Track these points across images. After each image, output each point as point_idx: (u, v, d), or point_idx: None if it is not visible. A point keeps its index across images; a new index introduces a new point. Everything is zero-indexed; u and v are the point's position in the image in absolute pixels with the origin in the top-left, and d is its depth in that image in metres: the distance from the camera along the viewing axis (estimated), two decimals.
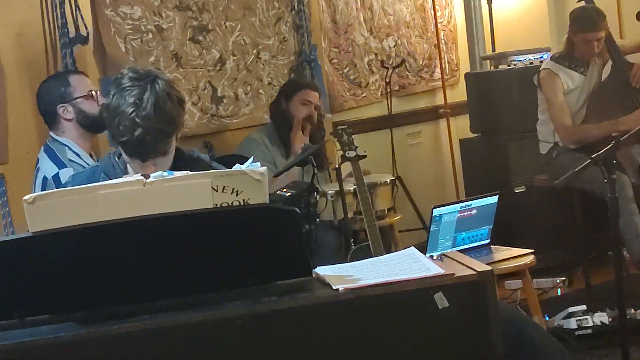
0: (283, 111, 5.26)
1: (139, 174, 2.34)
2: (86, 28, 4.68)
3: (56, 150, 3.82)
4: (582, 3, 5.42)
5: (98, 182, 2.45)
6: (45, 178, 3.76)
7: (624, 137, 3.82)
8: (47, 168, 3.77)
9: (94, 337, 2.08)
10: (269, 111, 5.41)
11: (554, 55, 5.47)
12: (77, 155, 3.82)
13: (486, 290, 2.24)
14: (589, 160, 3.75)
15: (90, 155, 3.93)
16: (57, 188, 3.41)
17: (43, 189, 3.69)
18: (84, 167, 3.70)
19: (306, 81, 5.52)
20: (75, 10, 4.63)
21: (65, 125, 3.87)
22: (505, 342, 2.28)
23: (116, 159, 2.97)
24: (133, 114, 2.72)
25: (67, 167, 3.74)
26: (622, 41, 5.62)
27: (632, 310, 4.47)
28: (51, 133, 3.91)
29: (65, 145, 3.83)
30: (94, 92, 3.89)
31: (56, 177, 3.73)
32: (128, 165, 2.91)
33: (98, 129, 3.90)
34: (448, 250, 2.76)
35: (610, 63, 5.38)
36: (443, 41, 6.96)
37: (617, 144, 3.70)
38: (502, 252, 4.36)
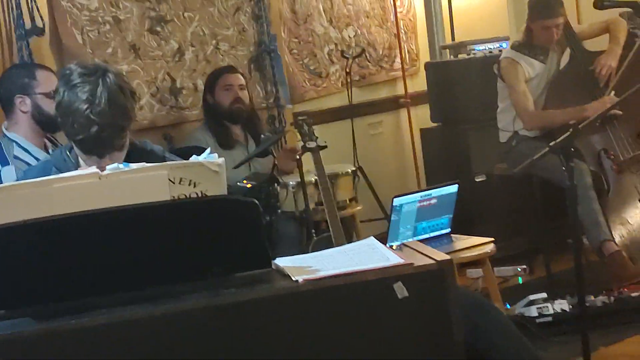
0: (211, 105, 5.21)
1: (94, 167, 2.31)
2: (42, 19, 4.62)
3: (3, 145, 3.77)
4: None
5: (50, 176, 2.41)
6: None
7: (582, 124, 3.84)
8: None
9: (51, 332, 2.05)
10: (202, 110, 5.33)
11: (514, 44, 5.49)
12: (26, 151, 3.76)
13: (446, 280, 2.24)
14: (547, 148, 3.77)
15: (46, 150, 3.88)
16: None
17: None
18: (29, 164, 3.66)
19: (224, 67, 5.41)
20: (31, 2, 4.57)
21: (19, 116, 3.82)
22: (466, 330, 2.28)
23: (67, 153, 2.93)
24: (87, 111, 2.68)
25: (9, 164, 3.69)
26: (579, 27, 5.65)
27: (592, 297, 4.50)
28: (2, 126, 3.86)
29: (14, 141, 3.78)
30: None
31: None
32: (80, 159, 2.87)
33: (51, 128, 3.85)
34: (408, 240, 2.77)
35: (568, 50, 5.41)
36: (403, 31, 6.96)
37: (575, 131, 3.71)
38: (463, 241, 4.38)
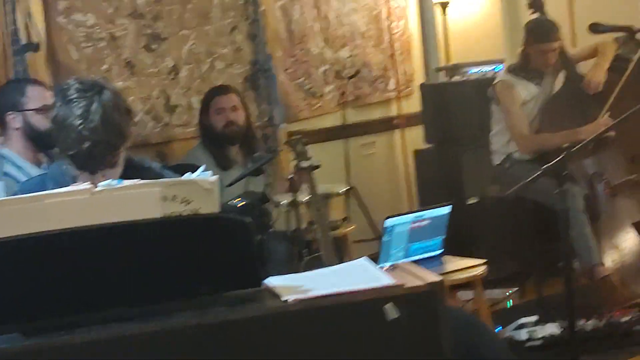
0: (206, 127, 5.15)
1: (87, 183, 2.31)
2: (38, 35, 4.63)
3: None
4: (536, 15, 5.47)
5: (46, 190, 2.41)
6: None
7: (575, 148, 3.85)
8: None
9: (40, 348, 2.05)
10: (200, 131, 5.26)
11: (510, 67, 5.51)
12: (18, 167, 3.75)
13: (436, 301, 2.25)
14: (540, 171, 3.78)
15: (40, 166, 3.87)
16: None
17: None
18: (19, 181, 3.65)
19: (217, 88, 5.33)
20: (27, 17, 4.58)
21: (11, 133, 3.81)
22: (456, 346, 2.29)
23: (65, 167, 2.93)
24: (80, 127, 2.68)
25: None
26: (573, 50, 5.68)
27: (583, 321, 4.50)
28: None
29: (5, 157, 3.77)
30: (47, 107, 3.82)
31: None
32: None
33: (43, 144, 3.83)
34: (400, 261, 2.77)
35: (563, 73, 5.43)
36: (398, 52, 6.98)
37: (568, 155, 3.73)
38: (455, 263, 4.37)
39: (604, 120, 5.09)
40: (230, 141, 5.13)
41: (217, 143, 5.12)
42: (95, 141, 2.69)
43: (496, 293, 5.40)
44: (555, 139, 5.12)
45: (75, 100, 2.70)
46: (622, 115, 4.38)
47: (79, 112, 2.68)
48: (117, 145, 2.77)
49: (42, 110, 3.80)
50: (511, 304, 5.34)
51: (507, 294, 5.39)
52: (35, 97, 3.84)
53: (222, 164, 5.04)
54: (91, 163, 2.74)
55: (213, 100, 5.15)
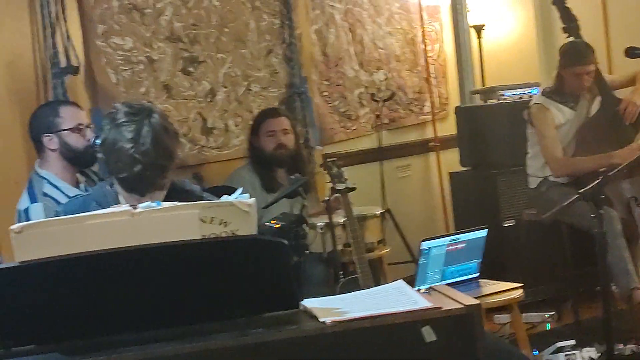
0: (255, 149, 5.21)
1: (127, 205, 2.34)
2: (77, 58, 4.69)
3: (34, 183, 3.81)
4: (572, 38, 5.46)
5: (89, 210, 2.44)
6: (18, 211, 3.76)
7: (612, 172, 3.83)
8: (22, 201, 3.76)
9: None
10: (248, 150, 5.32)
11: (545, 90, 5.50)
12: (57, 188, 3.79)
13: (474, 324, 2.24)
14: (577, 195, 3.76)
15: (78, 186, 3.91)
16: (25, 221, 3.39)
17: (17, 221, 3.68)
18: (58, 201, 3.69)
19: (266, 110, 5.40)
20: (67, 41, 4.64)
21: (49, 155, 3.86)
22: None
23: (108, 188, 2.96)
24: (132, 150, 2.71)
25: (38, 201, 3.72)
26: (610, 76, 5.65)
27: (621, 345, 4.46)
28: (36, 164, 3.90)
29: (45, 178, 3.81)
30: (81, 126, 3.87)
31: (26, 211, 3.72)
32: (120, 195, 2.90)
33: (81, 163, 3.88)
34: (436, 284, 2.76)
35: (599, 98, 5.40)
36: (433, 75, 6.99)
37: (605, 179, 3.71)
38: (491, 286, 4.35)
39: (638, 145, 5.06)
40: (279, 164, 5.17)
41: (265, 165, 5.16)
42: (147, 164, 2.72)
43: (533, 317, 5.36)
44: (588, 163, 5.11)
45: (125, 123, 2.73)
46: None
47: (129, 135, 2.71)
48: (167, 168, 2.80)
49: (77, 129, 3.85)
50: (549, 328, 5.30)
51: (545, 317, 5.35)
52: (69, 117, 3.88)
53: (268, 186, 5.07)
54: (141, 186, 2.77)
55: (264, 123, 5.20)
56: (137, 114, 2.75)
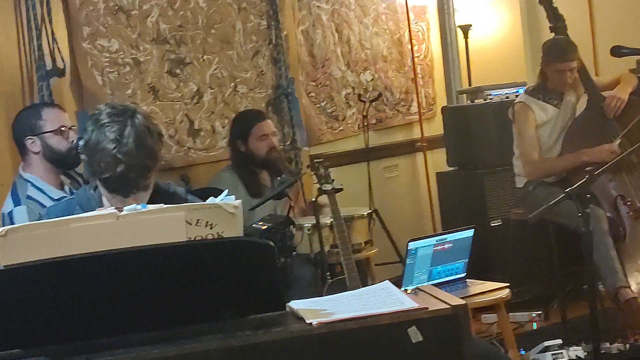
0: (244, 154, 5.15)
1: (113, 207, 2.33)
2: (63, 61, 4.68)
3: (18, 186, 3.81)
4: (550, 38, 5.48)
5: (73, 214, 2.43)
6: (2, 214, 3.75)
7: (598, 171, 3.84)
8: (6, 204, 3.77)
9: None
10: (230, 156, 5.26)
11: (528, 89, 5.51)
12: (41, 190, 3.79)
13: (460, 325, 2.24)
14: (563, 194, 3.77)
15: (62, 188, 3.91)
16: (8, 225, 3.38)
17: (2, 224, 3.68)
18: (42, 204, 3.69)
19: (253, 113, 5.36)
20: (53, 43, 4.64)
21: (32, 157, 3.85)
22: None
23: (92, 191, 2.95)
24: (115, 150, 2.70)
25: (21, 204, 3.72)
26: (598, 78, 5.65)
27: (608, 344, 4.47)
28: (20, 167, 3.89)
29: (29, 181, 3.81)
30: (64, 128, 3.87)
31: (10, 214, 3.72)
32: (104, 198, 2.89)
33: (64, 165, 3.88)
34: (423, 284, 2.77)
35: (585, 97, 5.42)
36: (420, 75, 7.00)
37: (591, 177, 3.72)
38: (478, 286, 4.37)
39: (610, 146, 5.07)
40: (271, 167, 5.14)
41: (251, 169, 5.13)
42: (130, 164, 2.71)
43: (520, 316, 5.38)
44: (560, 163, 5.15)
45: (107, 124, 2.72)
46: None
47: (112, 136, 2.70)
48: (150, 168, 2.78)
49: (59, 131, 3.85)
50: (536, 327, 5.31)
51: (532, 316, 5.37)
52: (52, 119, 3.87)
53: (253, 189, 5.05)
54: (124, 186, 2.75)
55: (256, 127, 5.16)
56: (120, 114, 2.75)
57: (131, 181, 2.74)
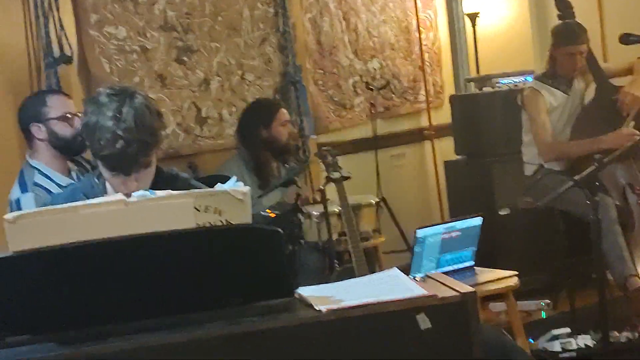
0: (265, 140, 5.14)
1: (120, 194, 2.32)
2: (70, 48, 4.67)
3: (25, 173, 3.81)
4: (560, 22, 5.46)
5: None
6: (10, 201, 3.75)
7: (606, 159, 3.83)
8: (14, 191, 3.77)
9: (74, 358, 2.06)
10: (242, 141, 5.22)
11: (537, 74, 5.50)
12: (48, 177, 3.79)
13: (469, 312, 2.24)
14: (572, 182, 3.76)
15: (69, 174, 3.91)
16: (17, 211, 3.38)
17: (9, 211, 3.68)
18: (49, 190, 3.69)
19: (272, 100, 5.41)
20: (60, 30, 4.63)
21: (38, 144, 3.86)
22: None
23: (95, 179, 2.94)
24: (114, 127, 2.69)
25: (28, 191, 3.72)
26: (606, 64, 5.64)
27: (616, 333, 4.46)
28: (27, 154, 3.90)
29: (36, 168, 3.81)
30: (69, 115, 3.87)
31: (17, 201, 3.72)
32: (107, 184, 2.89)
33: (70, 151, 3.88)
34: (432, 272, 2.76)
35: (594, 85, 5.40)
36: (427, 63, 6.98)
37: (600, 165, 3.71)
38: (486, 274, 4.36)
39: (627, 129, 5.05)
40: (290, 153, 5.18)
41: (264, 157, 5.13)
42: (129, 140, 2.70)
43: (529, 305, 5.37)
44: (577, 148, 5.12)
45: (106, 103, 2.72)
46: None
47: (110, 114, 2.70)
48: (150, 145, 2.77)
49: (64, 118, 3.85)
50: (544, 316, 5.30)
51: (540, 305, 5.35)
52: (57, 105, 3.87)
53: (263, 179, 5.03)
54: (125, 163, 2.74)
55: (279, 112, 5.19)
56: (118, 94, 2.75)
57: (131, 157, 2.73)
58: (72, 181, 3.81)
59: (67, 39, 4.66)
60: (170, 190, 2.25)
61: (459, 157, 6.42)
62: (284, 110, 5.23)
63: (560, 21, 5.47)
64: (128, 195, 2.19)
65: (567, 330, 4.59)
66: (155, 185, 2.81)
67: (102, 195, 2.80)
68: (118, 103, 2.72)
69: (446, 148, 6.69)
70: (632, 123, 5.13)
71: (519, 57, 6.82)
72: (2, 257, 2.11)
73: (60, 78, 4.59)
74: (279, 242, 2.25)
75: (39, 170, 3.81)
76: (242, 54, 5.65)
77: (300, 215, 4.49)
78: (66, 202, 2.43)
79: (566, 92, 5.35)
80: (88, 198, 2.77)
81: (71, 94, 4.29)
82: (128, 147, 2.70)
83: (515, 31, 7.03)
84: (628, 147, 4.38)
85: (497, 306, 5.10)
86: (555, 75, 5.35)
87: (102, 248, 2.10)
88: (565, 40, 5.26)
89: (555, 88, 5.34)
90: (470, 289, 2.27)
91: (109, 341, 2.08)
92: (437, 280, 2.40)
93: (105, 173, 2.82)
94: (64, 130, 3.84)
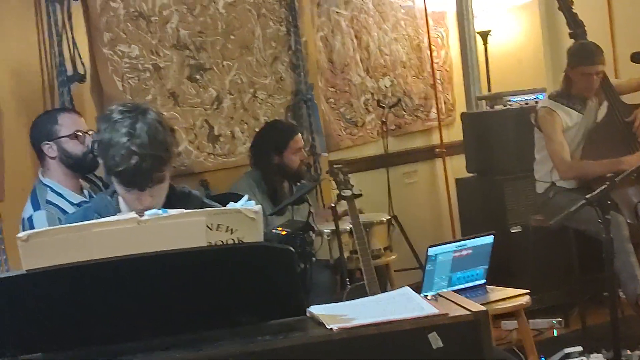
0: (276, 166, 5.12)
1: (133, 212, 2.34)
2: (83, 66, 4.69)
3: (38, 191, 3.83)
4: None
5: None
6: (23, 219, 3.77)
7: (618, 177, 3.82)
8: (27, 209, 3.79)
9: None
10: (254, 162, 5.21)
11: (552, 94, 5.48)
12: (60, 195, 3.81)
13: (481, 331, 2.24)
14: (584, 201, 3.75)
15: (82, 192, 3.93)
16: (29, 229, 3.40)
17: (22, 229, 3.70)
18: (61, 208, 3.70)
19: (288, 126, 5.35)
20: (73, 49, 4.65)
21: (50, 162, 3.88)
22: None
23: (108, 198, 2.96)
24: (128, 143, 2.71)
25: (41, 209, 3.74)
26: (617, 81, 5.64)
27: (628, 352, 4.45)
28: (39, 172, 3.92)
29: (48, 186, 3.83)
30: (80, 133, 3.89)
31: (30, 219, 3.74)
32: (121, 202, 2.91)
33: (81, 169, 3.90)
34: (443, 290, 2.76)
35: (605, 103, 5.39)
36: (439, 81, 7.00)
37: (611, 184, 3.70)
38: (498, 293, 4.35)
39: None
40: (301, 178, 5.18)
41: (277, 180, 5.12)
42: (144, 155, 2.72)
43: (540, 323, 5.35)
44: (597, 167, 5.10)
45: (119, 120, 2.74)
46: None
47: (124, 130, 2.72)
48: (164, 160, 2.79)
49: (75, 136, 3.87)
50: (556, 334, 5.29)
51: (552, 323, 5.34)
52: (67, 123, 3.90)
53: (274, 201, 5.02)
54: (140, 179, 2.75)
55: (292, 140, 5.15)
56: (131, 111, 2.77)
57: (146, 172, 2.74)
58: (85, 199, 3.83)
59: (80, 58, 4.68)
60: (182, 209, 2.26)
61: (470, 174, 6.42)
62: (298, 138, 5.19)
63: (574, 40, 5.47)
64: (141, 214, 2.20)
65: (579, 348, 4.57)
66: (168, 203, 2.82)
67: (116, 214, 2.81)
68: (131, 119, 2.74)
69: (458, 166, 6.69)
70: None
71: (531, 75, 6.83)
72: (15, 275, 2.13)
73: (73, 96, 4.61)
74: (290, 260, 2.26)
75: (51, 188, 3.83)
76: (254, 72, 5.67)
77: (311, 233, 4.48)
78: (79, 222, 2.44)
79: (581, 112, 5.34)
80: (102, 217, 2.79)
81: (84, 112, 4.31)
82: (142, 162, 2.72)
83: (526, 49, 7.04)
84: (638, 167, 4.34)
85: (509, 324, 5.08)
86: (570, 95, 5.34)
87: (114, 267, 2.11)
88: (582, 61, 5.25)
89: (571, 108, 5.33)
90: (482, 308, 2.28)
91: (120, 359, 2.09)
92: (449, 299, 2.40)
93: (120, 189, 2.83)
94: (74, 148, 3.86)
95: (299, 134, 5.25)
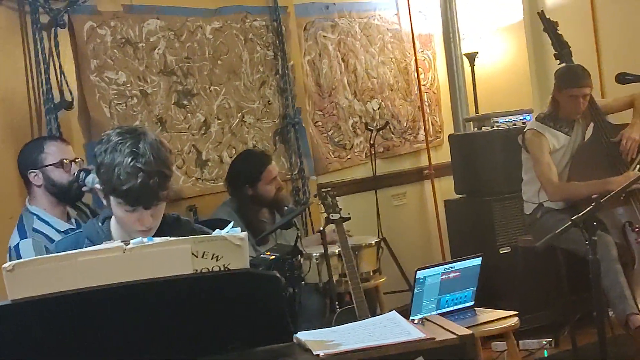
0: (250, 197, 5.10)
1: (119, 241, 2.34)
2: (71, 93, 4.70)
3: (24, 219, 3.84)
4: (564, 65, 5.49)
5: (82, 247, 2.44)
6: (9, 247, 3.77)
7: (604, 198, 3.84)
8: (13, 237, 3.79)
9: None
10: (230, 192, 5.19)
11: (539, 116, 5.51)
12: (47, 223, 3.81)
13: (467, 354, 2.24)
14: (570, 222, 3.76)
15: (68, 219, 3.93)
16: (16, 258, 3.41)
17: (8, 257, 3.70)
18: (48, 236, 3.70)
19: (259, 157, 5.23)
20: (60, 76, 4.66)
21: (36, 190, 3.89)
22: None
23: (100, 224, 2.97)
24: (133, 162, 2.72)
25: (27, 237, 3.74)
26: (603, 101, 5.67)
27: None
28: (26, 200, 3.92)
29: (34, 214, 3.84)
30: (66, 161, 3.89)
31: (16, 248, 3.74)
32: (112, 228, 2.91)
33: (66, 198, 3.91)
34: (431, 314, 2.77)
35: (592, 124, 5.42)
36: (427, 103, 7.03)
37: (597, 205, 3.72)
38: (486, 314, 4.36)
39: (634, 172, 5.07)
40: (279, 205, 5.14)
41: (253, 209, 5.10)
42: (150, 172, 2.73)
43: (531, 343, 5.36)
44: (584, 189, 5.11)
45: (120, 142, 2.76)
46: None
47: (127, 150, 2.74)
48: (168, 177, 2.82)
49: (61, 164, 3.87)
50: (546, 354, 5.29)
51: (542, 344, 5.35)
52: (54, 152, 3.91)
53: (254, 228, 4.97)
54: (147, 196, 2.76)
55: (265, 172, 5.10)
56: (131, 132, 2.79)
57: (152, 190, 2.75)
58: (72, 226, 3.83)
59: (67, 85, 4.69)
60: (168, 237, 2.26)
61: (459, 196, 6.44)
62: (271, 167, 5.13)
63: (559, 61, 5.51)
64: (126, 242, 2.20)
65: None
66: (159, 229, 2.83)
67: (107, 240, 2.82)
68: (133, 140, 2.76)
69: (446, 187, 6.71)
70: (638, 167, 5.14)
71: (518, 96, 6.87)
72: (1, 305, 2.12)
73: (60, 123, 4.61)
74: (277, 286, 2.26)
75: (37, 216, 3.83)
76: (242, 97, 5.68)
77: (299, 257, 4.48)
78: (71, 248, 2.45)
79: (568, 134, 5.37)
80: (93, 243, 2.81)
81: (72, 139, 4.32)
82: (149, 179, 2.74)
83: (513, 71, 7.07)
84: (624, 187, 4.36)
85: (499, 345, 5.09)
86: (557, 117, 5.37)
87: (100, 295, 2.11)
88: (569, 83, 5.28)
89: (558, 130, 5.36)
90: (468, 331, 2.28)
91: None
92: (436, 323, 2.41)
93: (121, 211, 2.82)
94: (60, 176, 3.86)
95: (272, 163, 5.19)
